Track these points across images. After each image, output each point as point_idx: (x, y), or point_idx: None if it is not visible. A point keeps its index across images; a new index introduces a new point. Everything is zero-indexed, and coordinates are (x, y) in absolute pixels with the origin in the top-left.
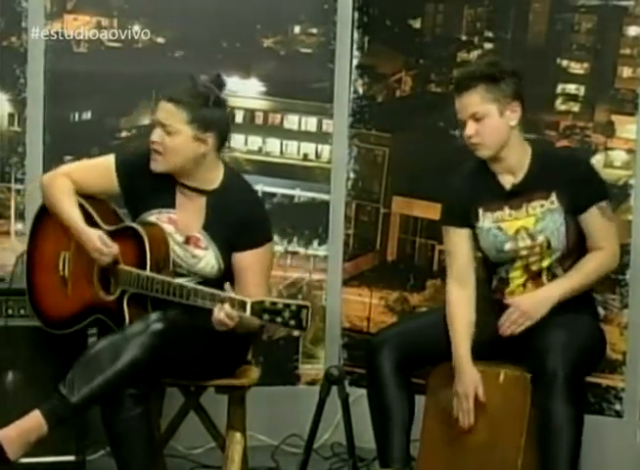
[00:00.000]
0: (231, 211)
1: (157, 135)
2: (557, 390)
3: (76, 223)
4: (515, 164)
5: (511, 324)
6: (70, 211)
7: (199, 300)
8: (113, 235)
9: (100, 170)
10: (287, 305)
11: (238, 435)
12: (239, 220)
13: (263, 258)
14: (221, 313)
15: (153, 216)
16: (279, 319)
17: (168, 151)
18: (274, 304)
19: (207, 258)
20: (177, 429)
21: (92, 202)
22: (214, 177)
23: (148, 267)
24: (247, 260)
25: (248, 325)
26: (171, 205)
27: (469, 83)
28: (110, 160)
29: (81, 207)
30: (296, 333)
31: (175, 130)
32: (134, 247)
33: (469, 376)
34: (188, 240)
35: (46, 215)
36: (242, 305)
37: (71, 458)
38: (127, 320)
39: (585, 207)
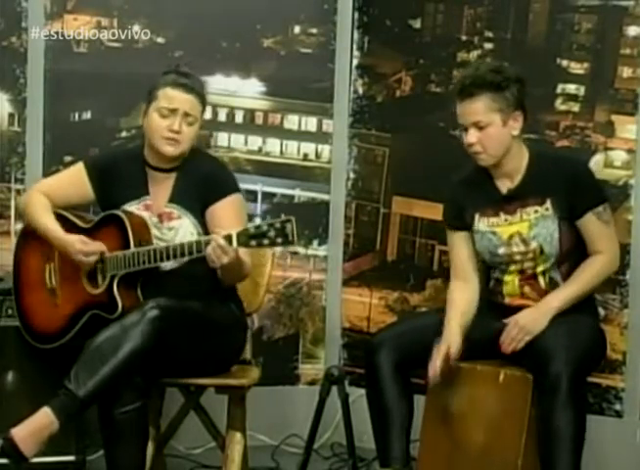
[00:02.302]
0: (195, 174)
1: (177, 124)
2: (560, 396)
3: (55, 233)
4: (512, 169)
5: (511, 341)
6: (48, 223)
7: (186, 253)
8: (93, 230)
9: (73, 180)
10: (270, 225)
11: (238, 435)
12: (204, 178)
13: (236, 207)
14: (212, 256)
15: (131, 207)
16: (266, 241)
17: (186, 139)
18: (258, 227)
19: (185, 227)
20: (177, 429)
21: (68, 210)
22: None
23: (132, 244)
24: (219, 211)
25: (240, 264)
26: (146, 193)
27: (473, 91)
28: (79, 167)
29: (60, 215)
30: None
31: (196, 121)
32: (116, 232)
33: (448, 336)
34: (160, 218)
35: (26, 238)
36: (227, 240)
37: (71, 458)
38: (120, 304)
39: (581, 213)
